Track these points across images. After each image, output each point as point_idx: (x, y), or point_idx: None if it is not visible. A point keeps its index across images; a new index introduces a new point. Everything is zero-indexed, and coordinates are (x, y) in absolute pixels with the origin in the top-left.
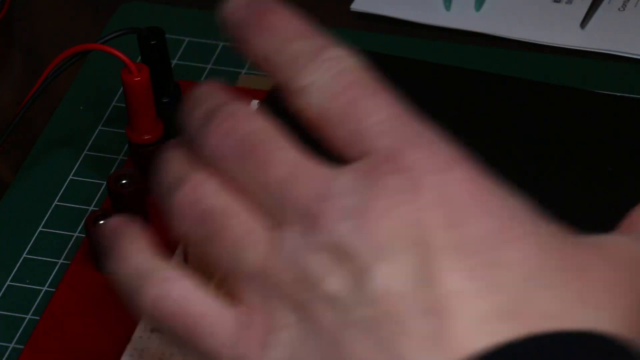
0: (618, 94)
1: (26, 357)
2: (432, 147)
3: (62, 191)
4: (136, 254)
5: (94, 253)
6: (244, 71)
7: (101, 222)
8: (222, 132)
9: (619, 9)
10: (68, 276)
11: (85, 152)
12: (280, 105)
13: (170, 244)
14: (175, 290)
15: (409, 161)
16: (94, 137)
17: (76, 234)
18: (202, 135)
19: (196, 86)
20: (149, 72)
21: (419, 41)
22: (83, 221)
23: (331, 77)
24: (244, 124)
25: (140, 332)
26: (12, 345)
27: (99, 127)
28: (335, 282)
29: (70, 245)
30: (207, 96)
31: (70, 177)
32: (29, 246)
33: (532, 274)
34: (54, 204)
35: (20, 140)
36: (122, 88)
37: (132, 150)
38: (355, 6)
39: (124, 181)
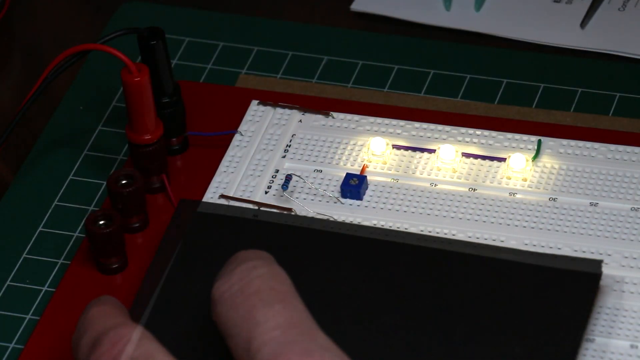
0: None
1: (26, 357)
2: (323, 356)
3: (62, 191)
4: None
5: (94, 252)
6: (243, 71)
7: (101, 222)
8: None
9: (619, 9)
10: (68, 276)
11: (85, 152)
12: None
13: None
14: None
15: None
16: (94, 137)
17: (76, 234)
18: None
19: (86, 310)
20: (149, 72)
21: (419, 41)
22: (83, 221)
23: (239, 288)
24: (128, 350)
25: None
26: (12, 345)
27: (99, 127)
28: None
29: (70, 245)
30: (95, 320)
31: (70, 177)
32: (29, 246)
33: None
34: (54, 204)
35: (20, 140)
36: (122, 88)
37: (132, 150)
38: (355, 6)
39: (124, 181)
